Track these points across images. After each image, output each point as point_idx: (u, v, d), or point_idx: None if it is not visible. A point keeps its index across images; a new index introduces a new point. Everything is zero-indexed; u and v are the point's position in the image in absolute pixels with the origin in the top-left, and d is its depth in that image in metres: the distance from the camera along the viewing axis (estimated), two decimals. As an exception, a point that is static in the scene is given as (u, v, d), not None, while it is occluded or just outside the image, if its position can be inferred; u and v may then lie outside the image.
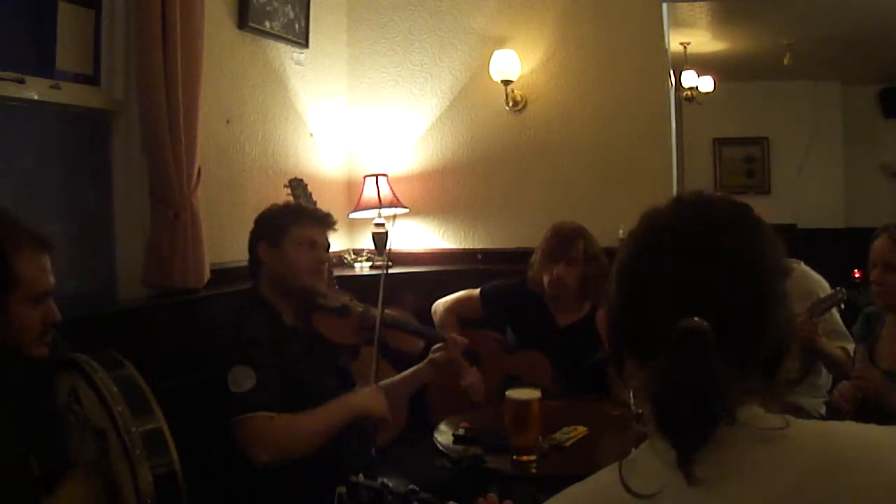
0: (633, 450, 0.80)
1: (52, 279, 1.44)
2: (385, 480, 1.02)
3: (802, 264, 2.84)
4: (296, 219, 2.20)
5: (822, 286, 2.69)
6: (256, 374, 1.91)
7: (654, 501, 0.74)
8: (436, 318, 2.91)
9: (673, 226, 0.83)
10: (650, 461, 0.77)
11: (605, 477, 0.80)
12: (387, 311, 2.34)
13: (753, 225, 0.83)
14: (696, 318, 0.73)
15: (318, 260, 2.19)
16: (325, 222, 2.25)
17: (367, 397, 2.12)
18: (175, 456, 1.50)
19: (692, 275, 0.78)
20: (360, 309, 2.33)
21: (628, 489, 0.75)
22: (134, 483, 1.41)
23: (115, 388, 1.47)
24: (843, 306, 2.47)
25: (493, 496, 1.07)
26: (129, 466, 1.42)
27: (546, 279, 2.66)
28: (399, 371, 2.53)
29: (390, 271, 2.66)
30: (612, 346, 0.86)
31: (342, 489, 1.01)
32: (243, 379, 1.90)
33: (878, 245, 2.18)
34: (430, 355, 2.45)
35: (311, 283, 2.17)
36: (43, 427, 1.47)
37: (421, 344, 2.55)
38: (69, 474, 1.41)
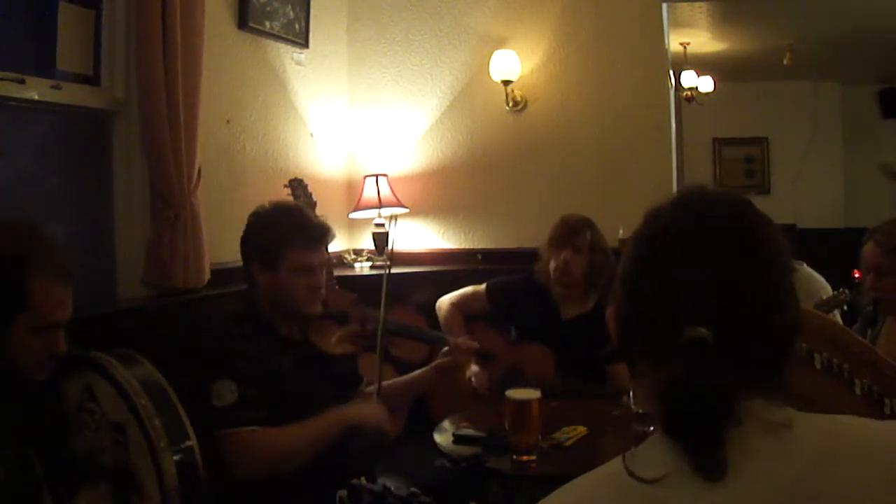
0: (632, 448, 0.80)
1: (66, 313, 1.40)
2: (387, 483, 1.02)
3: (805, 265, 2.85)
4: (291, 241, 2.01)
5: (825, 288, 2.69)
6: (239, 388, 1.84)
7: (658, 487, 0.74)
8: (440, 314, 2.90)
9: (680, 227, 0.83)
10: (655, 453, 0.77)
11: (607, 468, 0.80)
12: (389, 316, 2.23)
13: (763, 220, 0.84)
14: (698, 328, 0.74)
15: (316, 285, 2.05)
16: (322, 240, 2.08)
17: (365, 409, 2.04)
18: (196, 447, 1.50)
19: (707, 275, 0.79)
20: (360, 315, 2.27)
21: (632, 474, 0.75)
22: (158, 476, 1.42)
23: (135, 383, 1.48)
24: (845, 308, 2.48)
25: None
26: (152, 460, 1.42)
27: (553, 265, 2.68)
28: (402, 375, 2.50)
29: (391, 271, 2.64)
30: (623, 346, 0.86)
31: (343, 493, 1.01)
32: (226, 393, 1.83)
33: (867, 252, 2.18)
34: (437, 361, 2.36)
35: (307, 310, 2.06)
36: (48, 427, 1.47)
37: (426, 350, 2.53)
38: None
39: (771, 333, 0.79)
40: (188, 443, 1.50)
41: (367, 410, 2.03)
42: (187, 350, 2.14)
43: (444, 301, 2.93)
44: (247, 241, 2.08)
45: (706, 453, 0.73)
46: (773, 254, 0.81)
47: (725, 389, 0.73)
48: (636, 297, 0.84)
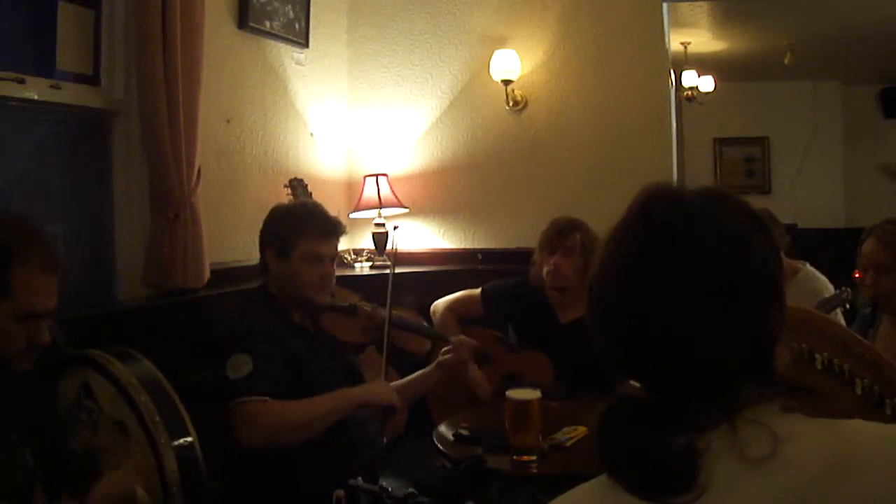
0: None
1: (50, 302, 1.40)
2: (384, 484, 1.02)
3: (808, 265, 2.84)
4: (303, 230, 2.12)
5: (828, 287, 2.68)
6: (254, 361, 1.91)
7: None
8: (435, 318, 2.89)
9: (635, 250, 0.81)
10: None
11: (604, 478, 0.79)
12: (394, 311, 2.31)
13: (719, 219, 0.79)
14: (631, 382, 0.76)
15: (325, 275, 2.15)
16: (333, 232, 2.18)
17: (375, 387, 2.10)
18: (196, 442, 1.51)
19: (642, 322, 0.78)
20: (368, 308, 2.32)
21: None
22: (160, 471, 1.42)
23: (134, 380, 1.49)
24: (847, 306, 2.47)
25: None
26: (153, 456, 1.43)
27: (545, 270, 2.65)
28: (403, 373, 2.50)
29: (395, 271, 2.64)
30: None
31: (340, 493, 1.01)
32: (241, 365, 1.90)
33: (867, 249, 2.14)
34: (440, 358, 2.40)
35: (315, 297, 2.15)
36: (39, 421, 1.47)
37: (428, 345, 2.54)
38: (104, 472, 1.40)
39: (732, 354, 0.76)
40: (188, 438, 1.51)
41: (375, 389, 2.10)
42: (195, 348, 2.17)
43: (439, 304, 2.91)
44: (264, 232, 2.19)
45: (648, 495, 0.73)
46: (728, 265, 0.77)
47: (649, 440, 0.74)
48: (592, 325, 0.83)
